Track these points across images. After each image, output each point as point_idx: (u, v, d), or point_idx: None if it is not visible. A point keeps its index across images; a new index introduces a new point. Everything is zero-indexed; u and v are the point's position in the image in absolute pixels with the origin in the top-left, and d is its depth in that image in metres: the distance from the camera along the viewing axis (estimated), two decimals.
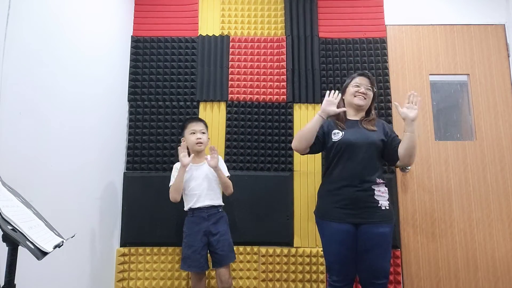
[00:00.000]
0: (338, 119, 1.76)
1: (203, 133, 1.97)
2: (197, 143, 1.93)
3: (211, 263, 1.92)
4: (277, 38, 2.44)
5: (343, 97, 1.82)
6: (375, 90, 1.78)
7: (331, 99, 1.68)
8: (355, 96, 1.74)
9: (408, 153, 1.62)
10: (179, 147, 1.88)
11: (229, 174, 1.98)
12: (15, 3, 1.27)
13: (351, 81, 1.80)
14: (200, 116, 2.33)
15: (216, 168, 1.87)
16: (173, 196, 1.89)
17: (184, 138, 1.98)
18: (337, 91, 1.71)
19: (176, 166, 1.97)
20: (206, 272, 2.00)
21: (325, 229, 1.66)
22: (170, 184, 1.93)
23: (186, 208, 1.93)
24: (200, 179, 1.92)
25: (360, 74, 1.79)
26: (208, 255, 1.90)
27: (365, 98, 1.74)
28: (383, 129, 1.72)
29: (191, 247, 1.85)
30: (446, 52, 2.43)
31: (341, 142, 1.66)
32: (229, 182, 1.94)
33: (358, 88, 1.74)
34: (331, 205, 1.65)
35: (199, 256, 1.83)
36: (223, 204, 1.96)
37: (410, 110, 1.61)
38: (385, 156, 1.71)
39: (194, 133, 1.95)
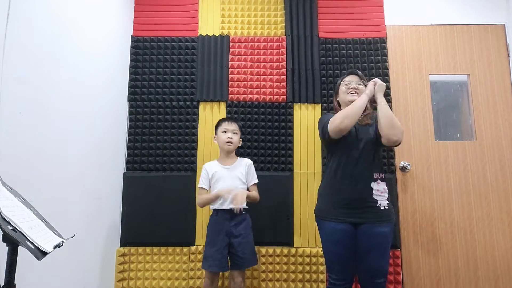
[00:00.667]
0: None
1: (235, 133, 1.97)
2: (227, 142, 1.94)
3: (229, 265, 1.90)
4: (277, 38, 2.44)
5: (338, 99, 1.85)
6: (366, 83, 1.79)
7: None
8: (348, 93, 1.77)
9: (385, 125, 1.61)
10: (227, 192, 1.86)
11: (257, 181, 1.98)
12: (15, 3, 1.27)
13: (341, 81, 1.85)
14: (200, 116, 2.33)
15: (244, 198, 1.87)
16: (199, 205, 1.97)
17: (216, 137, 2.00)
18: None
19: (206, 167, 1.97)
20: (220, 274, 1.98)
21: (325, 228, 1.67)
22: (199, 186, 1.96)
23: (210, 208, 1.93)
24: (228, 182, 1.90)
25: (349, 73, 1.84)
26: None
27: (357, 93, 1.75)
28: (376, 119, 1.72)
29: (213, 246, 1.85)
30: (446, 52, 2.43)
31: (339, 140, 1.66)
32: (257, 197, 1.94)
33: (349, 85, 1.77)
34: (330, 205, 1.66)
35: (220, 256, 1.83)
36: (247, 207, 1.91)
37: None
38: (379, 139, 1.67)
39: (225, 132, 1.95)
